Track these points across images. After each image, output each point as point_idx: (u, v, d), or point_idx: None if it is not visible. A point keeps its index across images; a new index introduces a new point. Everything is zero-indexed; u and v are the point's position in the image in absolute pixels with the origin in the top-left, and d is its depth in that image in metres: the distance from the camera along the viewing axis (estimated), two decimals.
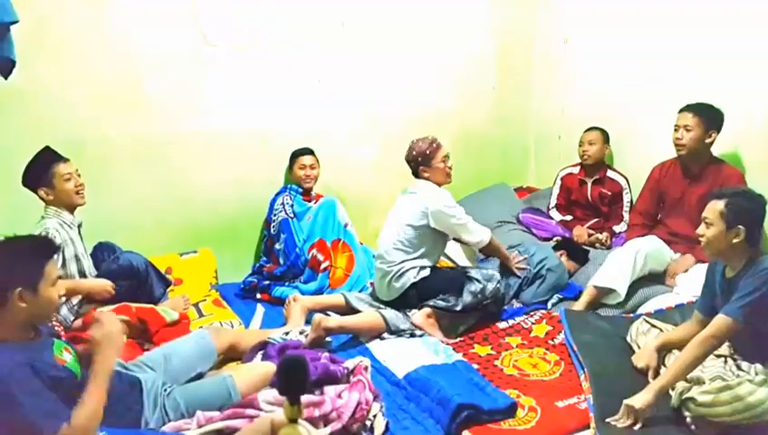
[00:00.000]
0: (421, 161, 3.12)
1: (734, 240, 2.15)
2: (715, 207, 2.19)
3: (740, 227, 2.14)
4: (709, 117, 3.01)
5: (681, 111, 3.09)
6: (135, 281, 2.90)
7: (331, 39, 3.83)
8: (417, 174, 3.17)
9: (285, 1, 3.65)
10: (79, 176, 2.78)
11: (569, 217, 3.91)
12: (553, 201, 4.02)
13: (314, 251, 3.57)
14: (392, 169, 4.06)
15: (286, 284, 3.51)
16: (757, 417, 1.94)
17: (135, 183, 3.47)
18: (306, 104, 3.83)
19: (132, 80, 3.38)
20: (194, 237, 3.62)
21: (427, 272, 3.08)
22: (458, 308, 2.97)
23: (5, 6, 1.63)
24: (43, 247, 1.88)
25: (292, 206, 3.70)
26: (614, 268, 3.03)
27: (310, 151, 3.77)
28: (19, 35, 2.34)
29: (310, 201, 3.76)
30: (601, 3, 3.92)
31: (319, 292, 3.40)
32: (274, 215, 3.70)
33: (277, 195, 3.77)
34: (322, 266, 3.51)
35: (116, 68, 3.32)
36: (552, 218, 3.95)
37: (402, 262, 3.07)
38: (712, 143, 3.05)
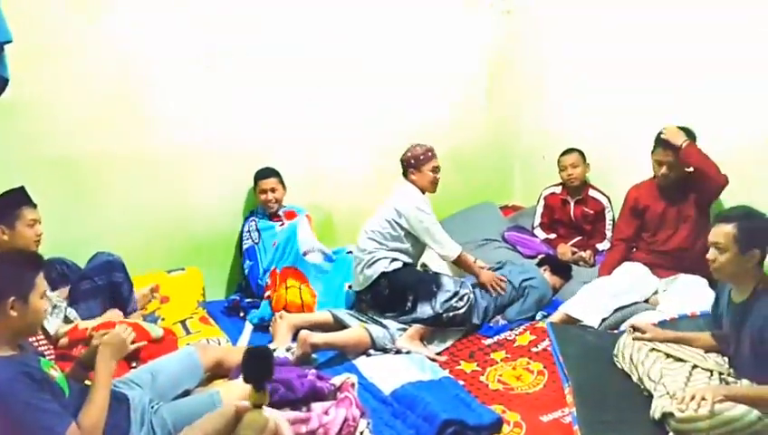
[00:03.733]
0: (413, 163, 3.30)
1: (749, 264, 2.14)
2: (726, 232, 2.15)
3: (756, 250, 2.13)
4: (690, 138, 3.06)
5: (658, 147, 3.12)
6: (116, 276, 2.96)
7: (326, 59, 3.86)
8: (405, 174, 3.33)
9: (283, 20, 3.70)
10: (40, 225, 2.72)
11: (552, 236, 3.96)
12: (537, 220, 4.07)
13: (267, 279, 3.53)
14: (384, 187, 4.08)
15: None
16: (735, 432, 1.97)
17: (123, 201, 3.47)
18: (299, 123, 3.86)
19: (123, 95, 3.38)
20: (182, 255, 3.62)
21: (398, 264, 3.19)
22: (432, 314, 3.03)
23: (2, 26, 1.66)
24: (32, 260, 1.94)
25: (258, 231, 3.68)
26: (589, 302, 3.04)
27: (272, 173, 3.71)
28: (15, 49, 2.35)
29: (279, 221, 3.74)
30: (585, 27, 4.01)
31: (261, 322, 3.28)
32: (243, 242, 3.70)
33: (245, 221, 3.76)
34: (266, 294, 3.44)
35: (108, 83, 3.33)
36: (537, 237, 4.00)
37: (375, 250, 3.18)
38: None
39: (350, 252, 3.73)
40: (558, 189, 4.01)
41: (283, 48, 3.74)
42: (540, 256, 3.75)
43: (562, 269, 3.56)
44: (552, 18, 4.30)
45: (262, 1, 3.64)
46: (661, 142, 3.12)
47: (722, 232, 2.17)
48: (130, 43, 3.35)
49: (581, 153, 3.88)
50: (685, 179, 3.15)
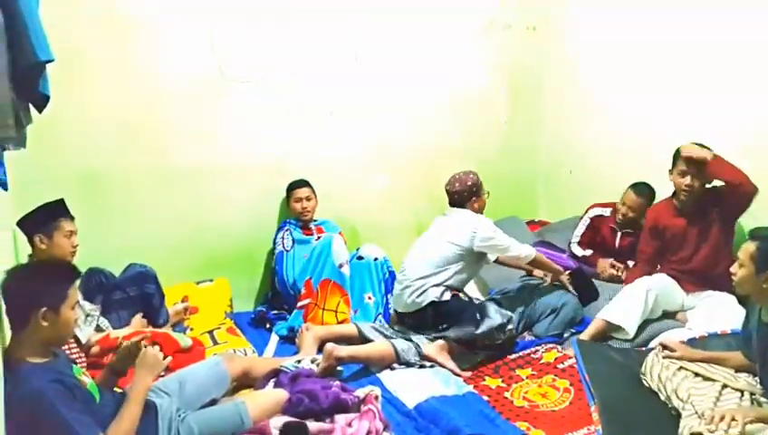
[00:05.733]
0: (475, 191, 3.33)
1: (764, 285, 2.12)
2: (748, 249, 2.16)
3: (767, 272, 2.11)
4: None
5: (678, 159, 3.08)
6: (148, 288, 3.03)
7: (344, 73, 3.92)
8: (461, 203, 3.32)
9: (299, 36, 3.76)
10: (76, 236, 2.80)
11: (589, 252, 3.88)
12: (577, 237, 3.97)
13: (298, 288, 3.56)
14: (403, 200, 4.16)
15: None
16: None
17: (152, 212, 3.54)
18: (319, 136, 3.91)
19: (152, 112, 3.48)
20: (210, 266, 3.68)
21: (448, 296, 3.15)
22: (472, 340, 3.01)
23: (45, 46, 1.73)
24: (66, 272, 1.98)
25: (293, 240, 3.72)
26: (624, 305, 3.01)
27: (305, 183, 3.79)
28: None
29: (310, 234, 3.78)
30: (608, 42, 4.01)
31: (290, 331, 3.31)
32: (275, 249, 3.74)
33: (278, 230, 3.81)
34: (299, 304, 3.46)
35: (136, 99, 3.42)
36: (565, 252, 3.96)
37: (428, 277, 3.14)
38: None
39: (361, 257, 3.73)
40: (607, 212, 3.86)
41: (305, 67, 3.80)
42: (568, 272, 3.71)
43: (587, 288, 3.47)
44: (574, 34, 4.31)
45: (280, 20, 3.70)
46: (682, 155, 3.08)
47: (745, 248, 2.19)
48: (155, 62, 3.45)
49: (652, 196, 3.61)
50: (704, 196, 3.10)
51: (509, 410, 2.56)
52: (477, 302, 3.30)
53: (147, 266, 3.13)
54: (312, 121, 3.88)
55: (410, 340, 3.05)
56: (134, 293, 3.04)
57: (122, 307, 3.06)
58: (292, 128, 3.82)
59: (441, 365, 2.94)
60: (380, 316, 3.52)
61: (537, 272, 3.60)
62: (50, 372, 1.83)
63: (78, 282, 1.98)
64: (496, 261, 3.51)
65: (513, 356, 3.04)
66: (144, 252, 3.40)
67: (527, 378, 2.84)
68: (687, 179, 3.06)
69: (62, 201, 2.80)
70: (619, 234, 3.81)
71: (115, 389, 2.21)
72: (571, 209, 4.35)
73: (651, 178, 3.59)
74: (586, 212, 3.98)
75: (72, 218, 2.79)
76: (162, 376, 2.50)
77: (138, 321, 3.04)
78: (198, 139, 3.62)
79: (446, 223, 3.30)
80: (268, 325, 3.49)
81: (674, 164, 3.12)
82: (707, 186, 3.09)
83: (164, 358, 2.14)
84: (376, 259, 3.72)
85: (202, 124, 3.61)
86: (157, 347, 2.19)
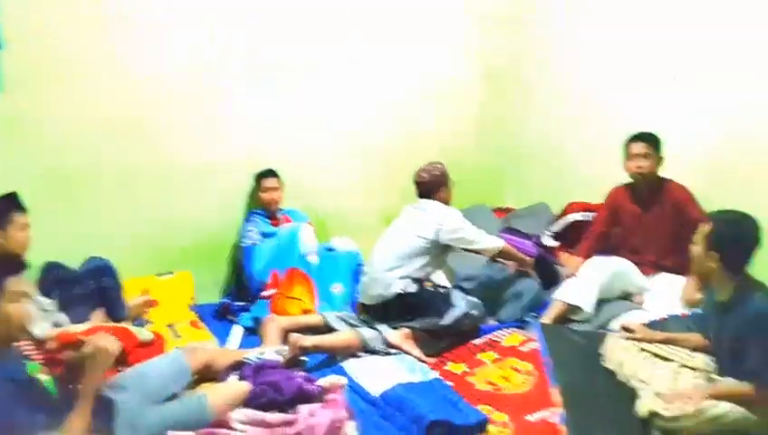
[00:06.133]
0: (442, 182, 3.33)
1: (711, 264, 2.18)
2: (703, 229, 2.22)
3: (713, 252, 2.16)
4: (659, 144, 3.14)
5: (633, 141, 3.17)
6: (105, 281, 2.97)
7: (315, 63, 3.87)
8: (428, 194, 3.30)
9: (273, 26, 3.71)
10: (29, 229, 2.73)
11: (557, 244, 3.87)
12: (552, 232, 3.89)
13: (265, 280, 3.53)
14: (375, 191, 4.15)
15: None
16: (720, 430, 1.98)
17: (113, 206, 3.47)
18: (289, 128, 3.87)
19: (116, 106, 3.39)
20: (173, 259, 3.62)
21: (414, 287, 3.14)
22: (435, 326, 3.03)
23: None
24: (5, 264, 1.90)
25: (260, 233, 3.69)
26: (580, 284, 3.08)
27: (273, 173, 3.76)
28: (11, 60, 2.35)
29: (277, 225, 3.75)
30: (579, 34, 4.06)
31: (254, 321, 3.28)
32: (243, 241, 3.71)
33: (245, 222, 3.77)
34: (264, 294, 3.45)
35: (102, 95, 3.35)
36: (531, 238, 3.97)
37: (393, 269, 3.13)
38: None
39: (331, 249, 3.72)
40: (589, 217, 3.74)
41: (271, 55, 3.75)
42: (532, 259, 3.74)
43: (550, 274, 3.50)
44: (545, 25, 4.33)
45: (248, 8, 3.64)
46: (639, 136, 3.15)
47: (701, 228, 2.24)
48: (122, 58, 3.37)
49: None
50: (659, 186, 3.18)
51: (472, 395, 2.57)
52: (444, 290, 3.31)
53: (104, 259, 3.07)
54: (281, 112, 3.83)
55: (376, 328, 3.05)
56: (92, 287, 2.98)
57: (81, 302, 2.97)
58: (259, 118, 3.77)
59: (406, 352, 2.95)
60: (347, 307, 3.51)
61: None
62: (1, 371, 1.78)
63: (21, 275, 1.93)
64: (465, 249, 3.51)
65: (477, 341, 3.06)
66: (106, 246, 3.31)
67: (490, 362, 2.86)
68: (637, 161, 3.13)
69: (14, 194, 2.73)
70: None
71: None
72: (537, 196, 4.40)
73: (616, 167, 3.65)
74: (565, 212, 3.93)
75: (25, 211, 2.73)
76: (120, 370, 2.46)
77: (98, 316, 2.98)
78: (162, 133, 3.54)
79: (414, 215, 3.29)
80: (232, 317, 3.45)
81: (625, 152, 3.20)
82: (661, 175, 3.16)
83: (121, 352, 2.10)
84: (348, 252, 3.72)
85: (166, 116, 3.54)
86: (112, 339, 2.14)
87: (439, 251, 3.24)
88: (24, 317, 1.92)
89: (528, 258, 3.50)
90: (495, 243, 3.32)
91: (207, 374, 2.58)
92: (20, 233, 2.69)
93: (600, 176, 3.87)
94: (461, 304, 3.12)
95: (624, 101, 3.75)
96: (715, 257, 2.16)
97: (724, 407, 1.98)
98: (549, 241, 3.92)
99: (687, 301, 3.00)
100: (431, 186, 3.31)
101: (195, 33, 3.53)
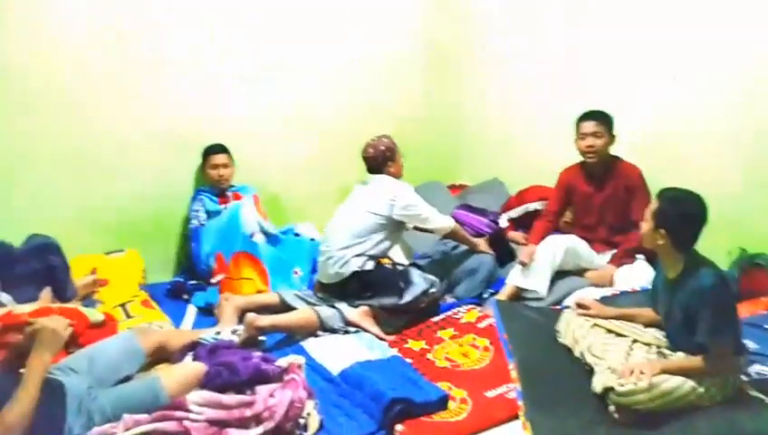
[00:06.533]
0: (389, 156, 3.26)
1: (659, 241, 2.22)
2: (652, 206, 2.26)
3: (661, 229, 2.21)
4: (610, 122, 3.16)
5: (584, 119, 3.18)
6: (52, 260, 2.87)
7: (261, 35, 3.79)
8: (378, 169, 3.25)
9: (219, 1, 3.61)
10: None
11: (508, 225, 3.91)
12: (509, 216, 3.92)
13: (212, 263, 3.47)
14: (327, 167, 4.10)
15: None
16: (672, 403, 2.05)
17: (57, 180, 3.35)
18: (237, 102, 3.79)
19: (51, 77, 3.26)
20: (120, 236, 3.53)
21: (371, 265, 3.12)
22: (394, 304, 3.02)
23: None
24: None
25: (206, 213, 3.61)
26: (532, 268, 3.11)
27: (223, 149, 3.67)
28: None
29: (226, 203, 3.67)
30: (527, 6, 4.06)
31: (208, 307, 3.22)
32: (191, 221, 3.62)
33: (192, 201, 3.68)
34: (213, 280, 3.40)
35: (33, 65, 3.21)
36: (486, 214, 4.00)
37: (348, 247, 3.09)
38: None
39: (298, 234, 3.67)
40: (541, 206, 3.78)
41: (221, 26, 3.66)
42: (485, 238, 3.78)
43: (504, 251, 3.55)
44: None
45: None
46: (590, 115, 3.16)
47: (651, 206, 2.28)
48: (50, 23, 3.23)
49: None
50: (611, 165, 3.21)
51: (431, 372, 2.59)
52: (401, 268, 3.30)
53: (50, 238, 2.94)
54: (229, 87, 3.74)
55: (334, 306, 3.02)
56: (37, 265, 2.86)
57: (26, 281, 2.86)
58: (206, 92, 3.68)
59: (365, 330, 2.95)
60: (304, 286, 3.48)
61: None
62: None
63: None
64: (415, 228, 3.49)
65: (436, 319, 3.08)
66: (49, 225, 3.18)
67: (449, 339, 2.88)
68: (588, 141, 3.15)
69: None
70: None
71: (21, 371, 2.07)
72: (491, 172, 4.43)
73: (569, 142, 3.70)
74: (523, 197, 3.92)
75: None
76: (71, 353, 2.38)
77: (46, 295, 2.86)
78: (106, 103, 3.43)
79: (366, 191, 3.25)
80: (186, 296, 3.39)
81: (576, 130, 3.21)
82: (612, 154, 3.20)
83: (70, 334, 2.02)
84: (312, 239, 3.69)
85: (109, 88, 3.42)
86: (62, 320, 2.05)
87: (394, 227, 3.22)
88: None
89: (477, 240, 3.49)
90: (447, 222, 3.32)
91: (162, 355, 2.52)
92: None
93: (554, 152, 3.92)
94: (419, 281, 3.12)
95: (578, 75, 3.78)
96: (663, 235, 2.21)
97: (675, 381, 2.05)
98: (503, 222, 3.95)
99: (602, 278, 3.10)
100: (379, 160, 3.26)
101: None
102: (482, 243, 3.50)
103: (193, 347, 2.53)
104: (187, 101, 3.63)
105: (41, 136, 3.28)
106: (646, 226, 2.27)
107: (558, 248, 3.13)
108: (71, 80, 3.31)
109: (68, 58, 3.29)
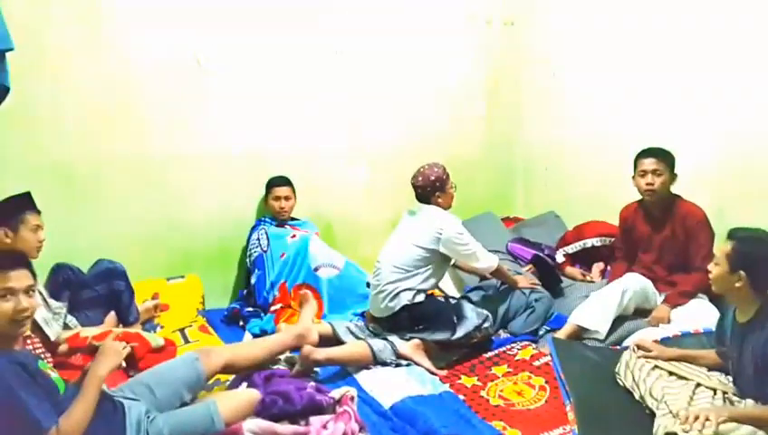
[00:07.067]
0: (438, 186, 3.20)
1: (737, 284, 2.13)
2: (724, 247, 2.17)
3: (741, 272, 2.11)
4: (671, 160, 3.06)
5: (643, 156, 3.09)
6: (117, 284, 2.96)
7: (324, 65, 3.88)
8: (426, 199, 3.21)
9: (279, 26, 3.71)
10: (42, 231, 2.70)
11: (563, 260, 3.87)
12: (566, 252, 3.86)
13: (275, 292, 3.51)
14: (382, 194, 4.13)
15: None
16: None
17: (123, 207, 3.47)
18: (298, 129, 3.87)
19: (124, 101, 3.41)
20: (182, 262, 3.62)
21: (421, 297, 3.10)
22: (447, 339, 2.99)
23: (2, 34, 1.66)
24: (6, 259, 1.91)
25: (267, 239, 3.66)
26: (598, 308, 3.01)
27: (286, 181, 3.74)
28: (15, 57, 2.36)
29: (289, 232, 3.70)
30: (587, 39, 4.04)
31: (263, 334, 3.23)
32: (250, 250, 3.68)
33: (253, 229, 3.75)
34: (272, 308, 3.44)
35: (109, 89, 3.36)
36: (542, 249, 3.95)
37: (399, 281, 3.08)
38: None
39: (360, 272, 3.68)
40: (607, 242, 3.76)
41: (283, 58, 3.76)
42: (531, 262, 3.72)
43: (549, 275, 3.50)
44: (553, 30, 4.32)
45: (263, 9, 3.65)
46: (650, 151, 3.08)
47: (722, 247, 2.19)
48: (129, 51, 3.39)
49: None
50: (670, 203, 3.11)
51: (485, 409, 2.55)
52: (453, 301, 3.27)
53: (115, 262, 3.06)
54: (291, 114, 3.83)
55: (386, 339, 3.02)
56: (103, 290, 2.97)
57: (91, 305, 2.98)
58: (269, 121, 3.78)
59: (417, 364, 2.92)
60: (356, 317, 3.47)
61: None
62: (12, 357, 1.80)
63: (22, 271, 1.90)
64: (455, 266, 3.44)
65: (489, 354, 3.03)
66: (114, 247, 3.33)
67: (503, 376, 2.83)
68: (647, 178, 3.06)
69: (28, 194, 2.71)
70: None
71: None
72: (547, 205, 4.38)
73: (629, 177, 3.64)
74: (582, 232, 3.86)
75: (39, 212, 2.71)
76: (131, 376, 2.44)
77: (110, 320, 2.97)
78: (173, 131, 3.56)
79: (413, 222, 3.21)
80: (242, 323, 3.43)
81: (634, 167, 3.13)
82: (674, 193, 3.11)
83: (130, 356, 2.08)
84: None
85: (177, 116, 3.55)
86: (122, 344, 2.11)
87: (441, 260, 3.17)
88: (35, 309, 1.92)
89: (518, 277, 3.43)
90: (491, 261, 3.24)
91: (230, 371, 2.58)
92: (32, 234, 2.66)
93: (612, 187, 3.86)
94: (472, 315, 3.07)
95: (636, 107, 3.72)
96: (741, 277, 2.12)
97: (745, 431, 1.95)
98: (559, 257, 3.89)
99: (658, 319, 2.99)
100: (428, 190, 3.20)
101: (211, 32, 3.54)
102: (522, 280, 3.43)
103: (248, 375, 2.56)
104: (253, 129, 3.74)
105: (112, 159, 3.41)
106: (719, 269, 2.17)
107: (626, 293, 3.02)
108: (143, 107, 3.45)
109: (144, 84, 3.44)
